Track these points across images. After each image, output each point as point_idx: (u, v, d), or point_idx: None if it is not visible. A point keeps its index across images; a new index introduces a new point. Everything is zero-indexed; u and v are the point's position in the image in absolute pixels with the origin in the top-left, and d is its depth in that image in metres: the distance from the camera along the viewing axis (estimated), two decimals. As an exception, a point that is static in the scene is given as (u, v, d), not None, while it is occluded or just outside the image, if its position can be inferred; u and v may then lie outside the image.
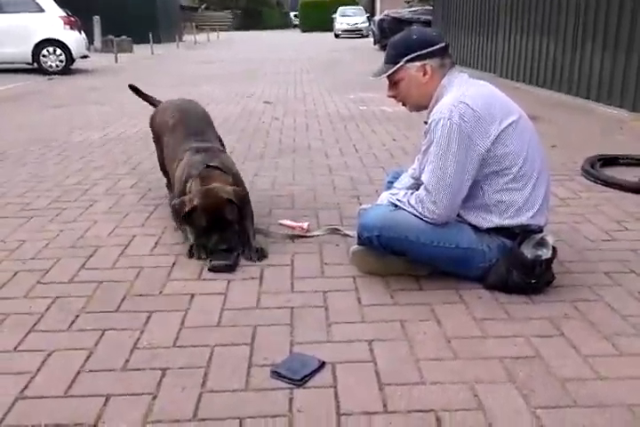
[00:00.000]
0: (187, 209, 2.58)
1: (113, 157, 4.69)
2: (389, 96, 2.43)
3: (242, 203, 2.67)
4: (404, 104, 2.44)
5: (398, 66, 2.30)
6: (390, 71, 2.31)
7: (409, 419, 1.57)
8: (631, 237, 2.81)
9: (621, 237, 2.81)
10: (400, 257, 2.35)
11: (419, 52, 2.28)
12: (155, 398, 1.67)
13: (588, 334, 1.98)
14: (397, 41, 2.35)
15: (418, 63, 2.28)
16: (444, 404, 1.62)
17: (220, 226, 2.59)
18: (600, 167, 3.96)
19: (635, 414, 1.58)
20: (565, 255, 2.54)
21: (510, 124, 2.19)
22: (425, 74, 2.29)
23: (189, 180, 2.73)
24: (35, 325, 2.07)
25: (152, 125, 3.49)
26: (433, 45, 2.28)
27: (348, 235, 2.75)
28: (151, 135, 3.54)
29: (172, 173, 3.01)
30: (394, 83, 2.36)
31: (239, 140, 5.25)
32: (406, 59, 2.28)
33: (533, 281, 2.21)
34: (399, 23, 16.54)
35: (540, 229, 2.29)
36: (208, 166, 2.75)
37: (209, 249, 2.59)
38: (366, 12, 33.63)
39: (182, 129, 3.11)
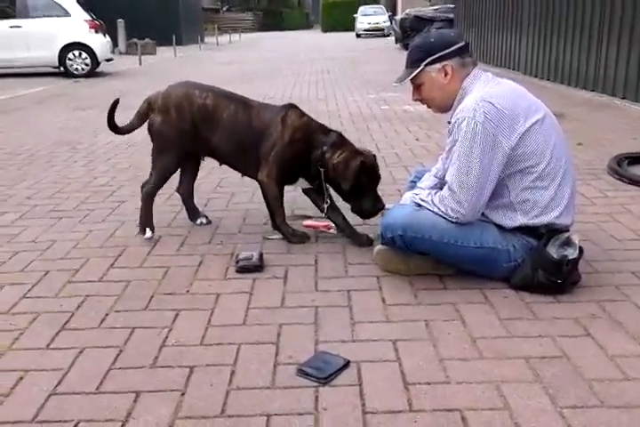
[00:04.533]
0: (358, 163, 2.64)
1: (138, 159, 4.75)
2: (415, 100, 2.45)
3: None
4: (429, 106, 2.46)
5: (418, 70, 2.32)
6: (411, 76, 2.34)
7: (434, 418, 1.57)
8: (659, 237, 2.78)
9: (649, 237, 2.78)
10: (424, 256, 2.36)
11: (437, 55, 2.29)
12: (183, 394, 1.70)
13: (615, 334, 1.96)
14: (416, 45, 2.37)
15: (438, 65, 2.29)
16: (470, 403, 1.63)
17: (375, 185, 2.76)
18: (627, 166, 3.91)
19: (663, 415, 1.56)
20: (592, 255, 2.52)
21: (536, 123, 2.18)
22: (446, 75, 2.29)
23: (322, 146, 2.70)
24: (66, 323, 2.12)
25: (179, 118, 2.79)
26: (451, 46, 2.29)
27: (368, 237, 2.79)
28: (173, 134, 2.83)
29: (254, 147, 2.76)
30: (417, 86, 2.38)
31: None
32: (425, 62, 2.30)
33: (559, 281, 2.20)
34: (421, 22, 16.49)
35: (567, 229, 2.28)
36: (340, 135, 2.77)
37: (366, 211, 2.75)
38: (387, 10, 33.52)
39: (236, 98, 2.87)
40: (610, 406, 1.61)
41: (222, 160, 2.96)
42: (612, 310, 2.11)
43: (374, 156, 2.77)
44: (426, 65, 2.30)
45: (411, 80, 2.36)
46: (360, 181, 2.66)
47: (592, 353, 1.85)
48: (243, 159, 2.86)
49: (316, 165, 2.72)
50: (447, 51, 2.28)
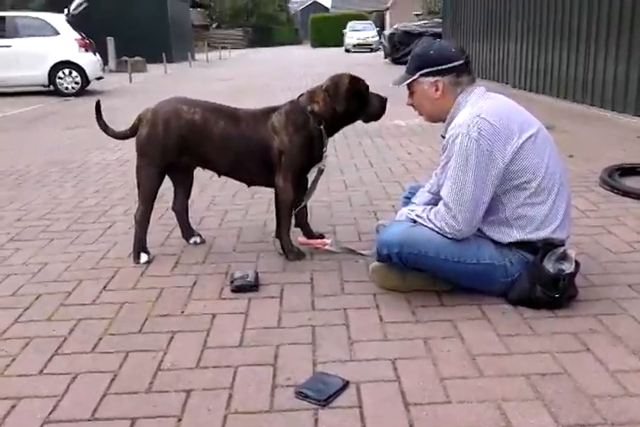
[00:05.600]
0: (344, 75, 2.79)
1: (130, 177, 4.71)
2: (408, 104, 2.47)
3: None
4: (420, 113, 2.48)
5: (412, 78, 2.34)
6: (405, 82, 2.37)
7: (436, 439, 1.55)
8: (654, 248, 2.78)
9: (644, 249, 2.78)
10: (420, 273, 2.34)
11: (432, 68, 2.29)
12: (180, 420, 1.67)
13: (615, 348, 1.95)
14: (417, 53, 2.38)
15: (431, 79, 2.30)
16: (472, 423, 1.61)
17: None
18: (619, 177, 3.93)
19: (667, 432, 1.55)
20: (588, 268, 2.51)
21: (529, 138, 2.19)
22: (437, 90, 2.30)
23: (307, 109, 2.75)
24: (59, 348, 2.08)
25: (164, 132, 2.77)
26: (448, 63, 2.28)
27: (363, 255, 2.67)
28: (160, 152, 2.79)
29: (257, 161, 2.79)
30: (411, 92, 2.41)
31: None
32: (420, 73, 2.31)
33: (557, 295, 2.19)
34: (410, 37, 16.65)
35: (562, 243, 2.27)
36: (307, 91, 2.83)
37: (379, 111, 2.82)
38: (376, 26, 33.85)
39: (223, 110, 2.86)
40: (613, 423, 1.59)
41: (222, 172, 2.93)
42: (610, 324, 2.10)
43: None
44: (420, 75, 2.32)
45: (407, 85, 2.38)
46: (357, 89, 2.73)
47: (592, 369, 1.84)
48: (246, 170, 2.84)
49: (317, 126, 2.74)
50: (441, 67, 2.28)
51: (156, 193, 2.91)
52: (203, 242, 3.10)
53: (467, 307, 2.26)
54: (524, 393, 1.73)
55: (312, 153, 2.77)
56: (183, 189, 3.10)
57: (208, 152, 2.79)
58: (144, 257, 2.87)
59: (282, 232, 2.83)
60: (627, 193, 3.61)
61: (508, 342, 2.01)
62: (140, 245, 2.91)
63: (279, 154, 2.71)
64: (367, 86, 2.79)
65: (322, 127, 2.74)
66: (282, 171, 2.73)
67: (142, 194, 2.89)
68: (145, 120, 2.82)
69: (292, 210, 2.82)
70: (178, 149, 2.78)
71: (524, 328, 2.10)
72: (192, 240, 3.10)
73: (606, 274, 2.51)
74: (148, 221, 2.93)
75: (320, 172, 2.88)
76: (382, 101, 2.80)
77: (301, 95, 2.83)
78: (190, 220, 3.16)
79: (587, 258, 2.63)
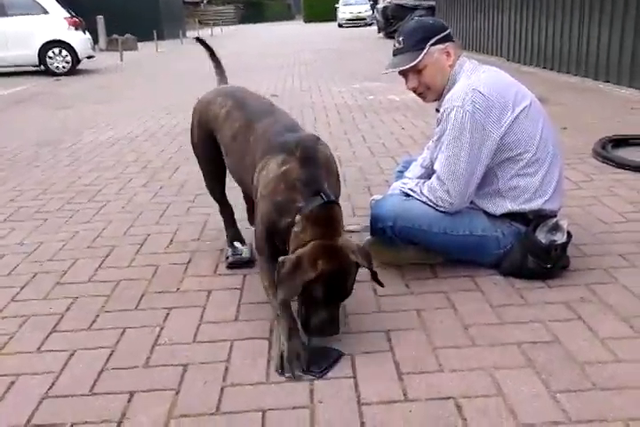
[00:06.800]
0: (311, 276, 1.72)
1: (122, 156, 4.72)
2: (411, 87, 2.35)
3: (369, 265, 1.85)
4: (421, 95, 2.38)
5: (425, 51, 2.24)
6: (420, 57, 2.23)
7: (429, 406, 1.58)
8: (646, 218, 2.80)
9: (636, 219, 2.80)
10: (414, 246, 2.36)
11: (442, 34, 2.27)
12: (177, 393, 1.70)
13: (605, 316, 1.98)
14: (414, 28, 2.30)
15: (441, 46, 2.26)
16: (464, 391, 1.63)
17: (336, 300, 1.82)
18: (612, 149, 3.93)
19: (655, 396, 1.58)
20: (580, 239, 2.53)
21: (523, 110, 2.18)
22: (449, 55, 2.27)
23: (295, 216, 1.83)
24: (56, 325, 2.10)
25: (198, 123, 2.57)
26: (445, 29, 2.30)
27: (351, 231, 2.64)
28: (192, 137, 2.67)
29: (250, 188, 2.15)
30: (417, 71, 2.28)
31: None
32: (431, 42, 2.25)
33: (549, 266, 2.21)
34: (403, 10, 16.45)
35: (554, 214, 2.28)
36: (327, 202, 1.83)
37: (306, 341, 1.86)
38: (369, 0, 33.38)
39: (246, 117, 2.26)
40: (603, 388, 1.62)
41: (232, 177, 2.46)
42: (601, 293, 2.12)
43: (351, 253, 1.79)
44: (431, 45, 2.24)
45: (413, 66, 2.25)
46: (310, 292, 1.75)
47: (583, 337, 1.86)
48: (246, 186, 2.29)
49: (280, 236, 1.91)
50: (445, 33, 2.28)
51: (214, 183, 2.68)
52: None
53: (459, 279, 2.28)
54: (515, 361, 1.76)
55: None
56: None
57: (224, 151, 2.42)
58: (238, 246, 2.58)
59: (274, 300, 1.93)
60: (620, 164, 3.61)
61: (501, 312, 2.03)
62: (231, 235, 2.67)
63: (256, 192, 2.05)
64: (338, 293, 1.80)
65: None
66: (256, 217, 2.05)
67: (206, 182, 2.74)
68: (193, 110, 2.62)
69: (268, 275, 1.97)
70: (211, 141, 2.47)
71: (516, 298, 2.12)
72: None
73: (598, 244, 2.53)
74: (224, 209, 2.72)
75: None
76: (323, 329, 1.81)
77: (319, 193, 1.83)
78: (184, 198, 3.15)
79: (579, 228, 2.64)
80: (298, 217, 1.81)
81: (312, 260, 1.73)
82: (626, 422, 1.48)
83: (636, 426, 1.46)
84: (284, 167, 1.89)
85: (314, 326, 1.80)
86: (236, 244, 2.62)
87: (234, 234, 2.68)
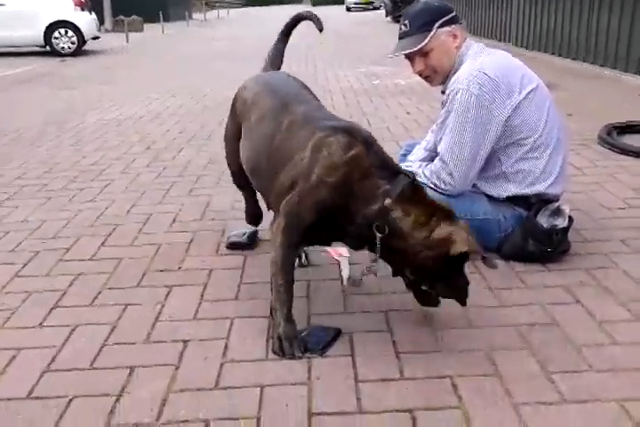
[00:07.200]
0: (458, 250, 1.65)
1: (127, 136, 4.72)
2: (417, 71, 2.33)
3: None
4: (427, 78, 2.36)
5: (432, 33, 2.21)
6: (427, 40, 2.21)
7: (425, 385, 1.59)
8: (648, 205, 2.79)
9: (638, 205, 2.79)
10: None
11: (449, 16, 2.25)
12: (177, 368, 1.71)
13: (604, 300, 1.98)
14: (420, 11, 2.27)
15: (447, 28, 2.24)
16: (461, 370, 1.65)
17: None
18: (617, 135, 3.91)
19: (650, 377, 1.59)
20: (581, 224, 2.53)
21: (529, 93, 2.17)
22: (455, 38, 2.25)
23: (383, 201, 1.69)
24: (58, 301, 2.12)
25: (230, 114, 2.36)
26: (451, 11, 2.28)
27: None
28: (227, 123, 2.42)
29: (266, 171, 1.96)
30: (424, 54, 2.26)
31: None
32: (437, 24, 2.22)
33: (549, 250, 2.22)
34: (411, -6, 16.26)
35: (557, 198, 2.28)
36: (413, 183, 1.74)
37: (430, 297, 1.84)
38: (377, -17, 33.01)
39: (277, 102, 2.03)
40: (598, 370, 1.63)
41: (249, 174, 2.19)
42: (600, 278, 2.13)
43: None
44: (438, 27, 2.22)
45: (419, 48, 2.23)
46: (450, 265, 1.71)
47: (581, 319, 1.87)
48: (264, 183, 2.03)
49: (368, 226, 1.71)
50: (451, 15, 2.26)
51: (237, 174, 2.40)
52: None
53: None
54: (512, 342, 1.77)
55: (335, 221, 1.77)
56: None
57: (243, 134, 2.19)
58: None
59: (276, 314, 1.84)
60: (624, 151, 3.60)
61: (500, 295, 2.04)
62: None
63: (290, 184, 1.81)
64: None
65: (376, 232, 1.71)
66: (281, 211, 1.82)
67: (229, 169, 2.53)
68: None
69: (285, 277, 1.84)
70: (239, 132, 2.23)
71: (516, 281, 2.13)
72: None
73: (600, 229, 2.53)
74: (244, 195, 2.56)
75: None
76: (462, 293, 1.80)
77: (399, 173, 1.75)
78: (187, 179, 3.14)
79: (581, 214, 2.64)
80: (388, 201, 1.68)
81: (453, 239, 1.65)
82: (620, 403, 1.49)
83: (631, 406, 1.48)
84: (352, 152, 1.72)
85: (449, 293, 1.77)
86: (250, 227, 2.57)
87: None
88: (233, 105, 2.33)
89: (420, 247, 1.67)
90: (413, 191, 1.72)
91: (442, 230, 1.66)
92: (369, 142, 1.77)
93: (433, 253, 1.66)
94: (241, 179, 2.38)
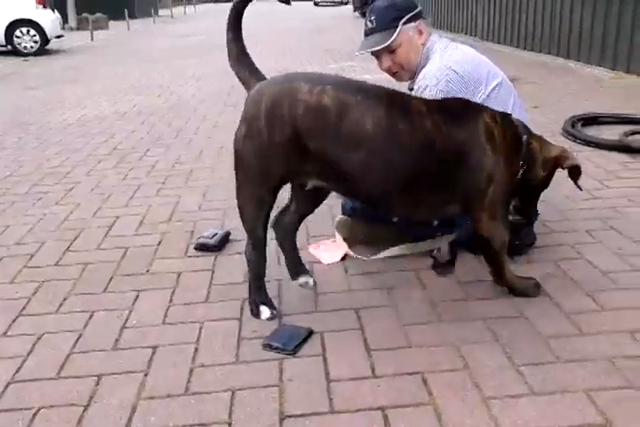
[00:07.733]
0: (571, 164, 2.01)
1: (92, 137, 4.64)
2: (385, 67, 2.32)
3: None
4: (395, 75, 2.35)
5: (399, 29, 2.20)
6: (395, 36, 2.20)
7: (396, 382, 1.60)
8: (612, 195, 2.84)
9: (602, 196, 2.84)
10: (387, 226, 2.36)
11: (414, 12, 2.24)
12: (146, 375, 1.69)
13: (570, 291, 2.01)
14: (385, 7, 2.26)
15: (413, 24, 2.23)
16: (431, 366, 1.66)
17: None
18: (581, 127, 3.97)
19: (615, 365, 1.62)
20: (547, 215, 2.56)
21: (495, 88, 2.18)
22: (421, 33, 2.25)
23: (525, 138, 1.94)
24: (23, 309, 2.08)
25: (268, 123, 1.78)
26: (416, 7, 2.27)
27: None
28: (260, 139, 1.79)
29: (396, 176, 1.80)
30: (391, 51, 2.25)
31: (221, 113, 5.21)
32: (403, 21, 2.21)
33: (516, 243, 2.23)
34: (378, -12, 16.26)
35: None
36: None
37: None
38: (344, -23, 32.95)
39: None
40: (566, 360, 1.65)
41: (356, 195, 2.01)
42: (567, 269, 2.16)
43: None
44: (404, 23, 2.21)
45: (387, 46, 2.21)
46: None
47: (548, 311, 1.90)
48: (410, 197, 1.88)
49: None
50: (417, 11, 2.25)
51: (268, 211, 1.94)
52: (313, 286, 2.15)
53: (429, 257, 2.29)
54: (481, 336, 1.78)
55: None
56: (301, 204, 2.16)
57: (344, 159, 1.85)
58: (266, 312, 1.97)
59: (508, 277, 2.00)
60: (588, 142, 3.65)
61: (468, 289, 2.06)
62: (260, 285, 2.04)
63: (487, 177, 1.83)
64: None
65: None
66: (488, 203, 1.86)
67: (246, 225, 2.01)
68: (242, 115, 1.91)
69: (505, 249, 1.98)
70: (293, 149, 1.83)
71: (484, 275, 2.14)
72: (301, 280, 2.14)
73: (565, 220, 2.57)
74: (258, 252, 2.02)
75: None
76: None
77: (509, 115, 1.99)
78: (153, 179, 3.11)
79: (546, 205, 2.66)
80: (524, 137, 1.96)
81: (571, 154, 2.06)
82: (587, 393, 1.51)
83: (597, 396, 1.50)
84: (524, 137, 1.97)
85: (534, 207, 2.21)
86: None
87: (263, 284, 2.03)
88: (268, 114, 1.76)
89: (543, 165, 2.02)
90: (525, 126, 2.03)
91: (555, 150, 2.04)
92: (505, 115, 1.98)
93: (550, 167, 2.04)
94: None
